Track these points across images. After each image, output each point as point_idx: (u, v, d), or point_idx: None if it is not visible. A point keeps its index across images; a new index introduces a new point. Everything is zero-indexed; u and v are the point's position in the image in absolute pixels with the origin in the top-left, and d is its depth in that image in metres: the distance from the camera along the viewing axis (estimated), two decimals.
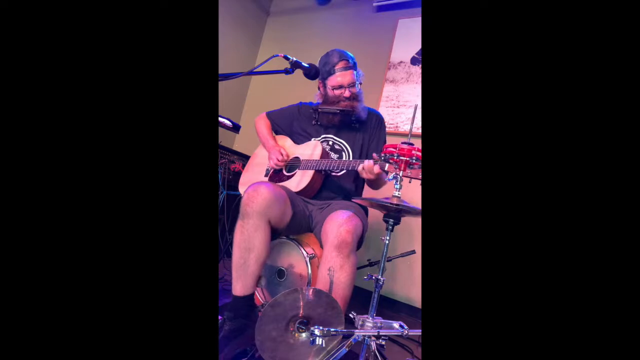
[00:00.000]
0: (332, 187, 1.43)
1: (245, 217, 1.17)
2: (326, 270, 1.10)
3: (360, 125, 1.46)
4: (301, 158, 1.44)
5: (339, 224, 1.13)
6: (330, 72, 1.38)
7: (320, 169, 1.34)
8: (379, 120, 1.51)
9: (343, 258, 1.10)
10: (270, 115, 1.63)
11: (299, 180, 1.39)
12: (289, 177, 1.44)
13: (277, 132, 1.63)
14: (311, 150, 1.43)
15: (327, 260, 1.12)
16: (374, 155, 1.15)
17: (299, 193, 1.36)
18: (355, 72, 1.40)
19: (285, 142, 1.57)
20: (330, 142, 1.47)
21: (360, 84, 1.46)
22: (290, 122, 1.58)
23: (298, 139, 1.54)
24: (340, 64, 1.37)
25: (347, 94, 1.39)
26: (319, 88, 1.49)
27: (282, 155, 1.44)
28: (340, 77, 1.37)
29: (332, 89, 1.40)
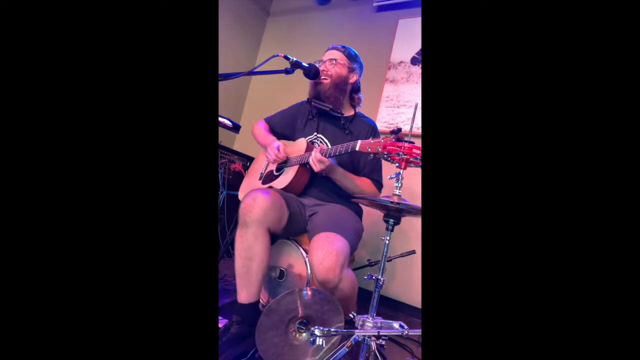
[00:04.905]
0: (320, 184, 1.40)
1: (244, 226, 1.17)
2: None
3: (351, 132, 1.45)
4: (290, 157, 1.44)
5: (319, 259, 1.07)
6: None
7: (303, 162, 1.33)
8: (373, 129, 1.48)
9: (331, 289, 1.08)
10: (267, 119, 1.62)
11: (284, 178, 1.38)
12: (277, 177, 1.44)
13: (275, 135, 1.58)
14: (297, 147, 1.43)
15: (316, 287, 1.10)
16: (362, 143, 1.09)
17: (285, 189, 1.34)
18: (341, 53, 1.45)
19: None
20: (319, 143, 1.46)
21: (358, 89, 1.51)
22: (293, 121, 1.57)
23: (296, 137, 1.52)
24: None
25: (322, 67, 1.43)
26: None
27: (277, 150, 1.39)
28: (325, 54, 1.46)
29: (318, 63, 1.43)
